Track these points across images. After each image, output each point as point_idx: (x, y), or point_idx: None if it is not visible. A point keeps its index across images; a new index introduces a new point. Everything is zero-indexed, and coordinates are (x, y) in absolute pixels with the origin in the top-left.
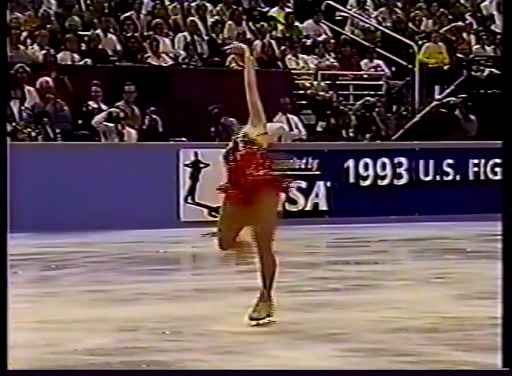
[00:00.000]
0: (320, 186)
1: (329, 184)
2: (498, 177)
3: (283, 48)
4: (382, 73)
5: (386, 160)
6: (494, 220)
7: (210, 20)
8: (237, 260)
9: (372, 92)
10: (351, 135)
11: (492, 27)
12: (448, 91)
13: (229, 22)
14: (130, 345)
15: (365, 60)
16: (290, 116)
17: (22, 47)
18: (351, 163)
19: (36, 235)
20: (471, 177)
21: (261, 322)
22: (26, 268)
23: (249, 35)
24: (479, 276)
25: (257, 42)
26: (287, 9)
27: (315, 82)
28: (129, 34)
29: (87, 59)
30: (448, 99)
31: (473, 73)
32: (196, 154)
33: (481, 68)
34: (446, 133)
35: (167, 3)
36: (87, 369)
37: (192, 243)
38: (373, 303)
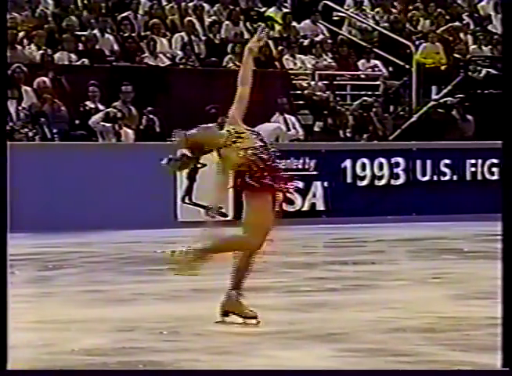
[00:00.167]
0: (317, 186)
1: (326, 184)
2: (495, 177)
3: (280, 48)
4: (379, 73)
5: (383, 160)
6: (491, 220)
7: (207, 20)
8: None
9: (369, 92)
10: (348, 135)
11: (489, 28)
12: (445, 91)
13: (227, 22)
14: (127, 346)
15: (363, 60)
16: (287, 116)
17: (19, 47)
18: (348, 163)
19: (33, 235)
20: (468, 177)
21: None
22: (23, 268)
23: (246, 35)
24: (476, 276)
25: None
26: (284, 9)
27: (313, 82)
28: (126, 34)
29: (84, 59)
30: (445, 99)
31: (470, 73)
32: None
33: (478, 68)
34: (443, 133)
35: (164, 3)
36: (84, 369)
37: (190, 243)
38: (371, 303)
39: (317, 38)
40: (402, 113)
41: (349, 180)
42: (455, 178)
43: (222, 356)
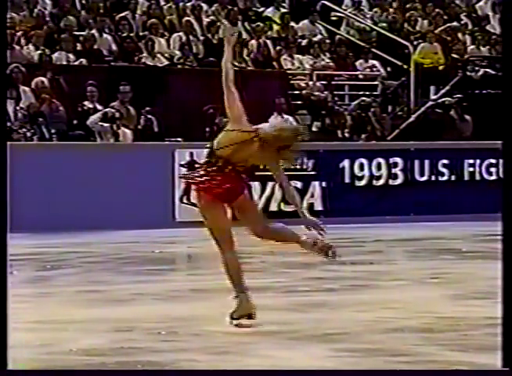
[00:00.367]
0: (315, 186)
1: (324, 184)
2: (493, 177)
3: (278, 48)
4: (377, 73)
5: (381, 160)
6: (490, 220)
7: (205, 20)
8: None
9: (367, 93)
10: (346, 135)
11: (487, 28)
12: (443, 91)
13: (225, 22)
14: (125, 346)
15: (361, 60)
16: (285, 116)
17: (17, 47)
18: (346, 163)
19: (31, 235)
20: (466, 177)
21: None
22: (21, 268)
23: (244, 35)
24: (474, 276)
25: (253, 42)
26: (283, 9)
27: (311, 82)
28: (124, 34)
29: (82, 60)
30: (443, 99)
31: (468, 73)
32: (191, 154)
33: (476, 68)
34: (441, 133)
35: (162, 3)
36: (82, 369)
37: (188, 243)
38: (369, 303)
39: (315, 38)
40: (400, 113)
41: (347, 180)
42: (453, 178)
43: (220, 356)
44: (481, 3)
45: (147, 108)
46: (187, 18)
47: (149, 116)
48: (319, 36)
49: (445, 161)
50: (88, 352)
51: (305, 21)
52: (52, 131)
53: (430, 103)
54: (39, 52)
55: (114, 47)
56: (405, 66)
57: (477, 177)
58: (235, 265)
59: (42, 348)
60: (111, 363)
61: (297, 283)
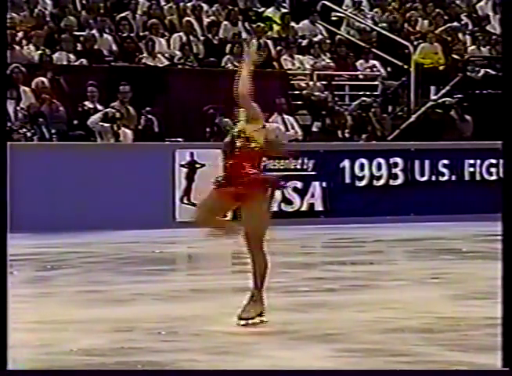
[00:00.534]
0: (316, 187)
1: (324, 184)
2: (493, 177)
3: (278, 48)
4: (378, 73)
5: (382, 160)
6: (490, 220)
7: (205, 21)
8: (222, 233)
9: (367, 93)
10: (346, 135)
11: (488, 28)
12: (443, 91)
13: (225, 22)
14: (125, 346)
15: (361, 61)
16: (285, 116)
17: (17, 47)
18: (346, 163)
19: (31, 235)
20: (467, 177)
21: (251, 322)
22: (21, 268)
23: (245, 35)
24: (474, 277)
25: (254, 43)
26: (283, 10)
27: (311, 82)
28: (125, 35)
29: (82, 60)
30: (443, 99)
31: (468, 73)
32: (191, 155)
33: (476, 69)
34: (442, 133)
35: (162, 3)
36: (82, 369)
37: (188, 243)
38: (369, 303)
39: (315, 39)
40: (400, 113)
41: (348, 180)
42: (453, 178)
43: (221, 356)
44: (481, 3)
45: (147, 108)
46: (187, 18)
47: (150, 116)
48: (320, 36)
49: (446, 161)
50: (88, 352)
51: (306, 21)
52: (53, 131)
53: (431, 103)
54: (39, 52)
55: (115, 47)
56: (405, 67)
57: (478, 177)
58: (266, 265)
59: (42, 349)
60: (111, 363)
61: (297, 283)
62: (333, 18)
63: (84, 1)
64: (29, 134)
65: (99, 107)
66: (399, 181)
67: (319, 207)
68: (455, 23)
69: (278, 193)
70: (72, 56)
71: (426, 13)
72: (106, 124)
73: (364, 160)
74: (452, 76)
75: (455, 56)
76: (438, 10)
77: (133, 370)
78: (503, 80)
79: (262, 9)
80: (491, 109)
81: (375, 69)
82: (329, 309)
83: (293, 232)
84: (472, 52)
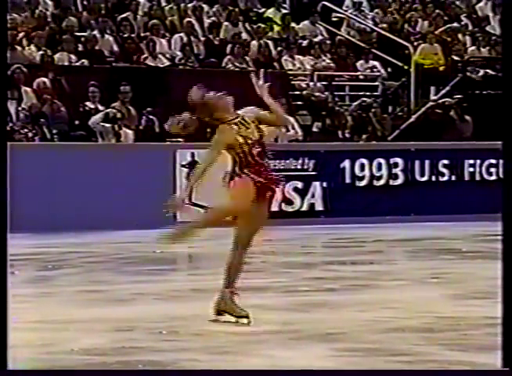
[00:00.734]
0: (316, 187)
1: (325, 184)
2: (493, 177)
3: (279, 49)
4: (378, 74)
5: (382, 160)
6: (489, 220)
7: (206, 21)
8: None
9: (368, 93)
10: (347, 135)
11: (488, 29)
12: (443, 92)
13: (226, 23)
14: (126, 345)
15: (361, 61)
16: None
17: (19, 48)
18: (347, 163)
19: (33, 235)
20: (467, 177)
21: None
22: (22, 268)
23: (245, 36)
24: (474, 276)
25: (254, 43)
26: (283, 10)
27: (311, 83)
28: (126, 35)
29: (84, 60)
30: (443, 99)
31: (468, 74)
32: (192, 155)
33: (476, 69)
34: (442, 134)
35: (163, 4)
36: (83, 369)
37: (189, 243)
38: (369, 303)
39: (316, 39)
40: (400, 113)
41: (348, 180)
42: (453, 178)
43: (221, 356)
44: (481, 4)
45: (148, 108)
46: (188, 19)
47: (151, 116)
48: (320, 37)
49: (446, 162)
50: (89, 351)
51: (306, 22)
52: (54, 131)
53: (431, 103)
54: (41, 52)
55: (116, 48)
56: (405, 67)
57: (478, 177)
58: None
59: (43, 348)
60: (112, 363)
61: (297, 283)
62: (334, 19)
63: (85, 2)
64: (30, 134)
65: (100, 108)
66: (399, 181)
67: (319, 207)
68: (455, 24)
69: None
70: (73, 57)
71: (426, 14)
72: (107, 125)
73: (364, 161)
74: (452, 76)
75: (455, 57)
76: (437, 11)
77: (134, 370)
78: (503, 80)
79: (263, 9)
80: (490, 109)
81: (375, 69)
82: (329, 309)
83: (293, 232)
84: (472, 52)
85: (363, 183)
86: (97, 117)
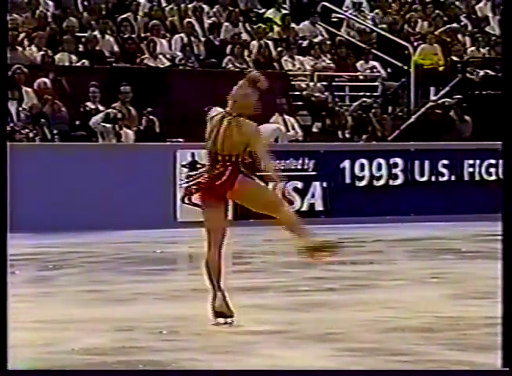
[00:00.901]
0: (316, 187)
1: (325, 184)
2: (493, 178)
3: (279, 49)
4: (378, 74)
5: (382, 160)
6: (489, 220)
7: (206, 22)
8: None
9: (368, 93)
10: (347, 135)
11: (487, 29)
12: (443, 92)
13: (226, 23)
14: (127, 345)
15: (361, 61)
16: (286, 117)
17: (19, 48)
18: (347, 163)
19: (33, 235)
20: (466, 178)
21: (229, 320)
22: (23, 268)
23: (245, 36)
24: (474, 276)
25: (254, 43)
26: (283, 11)
27: (311, 83)
28: (126, 36)
29: (84, 61)
30: (443, 100)
31: (468, 74)
32: (193, 155)
33: (475, 70)
34: (441, 134)
35: (164, 5)
36: (84, 368)
37: (189, 243)
38: (369, 303)
39: (316, 40)
40: (400, 113)
41: (348, 180)
42: (453, 178)
43: (221, 356)
44: (480, 4)
45: (149, 109)
46: (188, 19)
47: (151, 117)
48: (320, 37)
49: (445, 162)
50: (89, 351)
51: (306, 22)
52: (55, 131)
53: (430, 103)
54: (41, 53)
55: (116, 48)
56: (405, 68)
57: (477, 177)
58: (216, 265)
59: (44, 348)
60: (112, 363)
61: (297, 282)
62: (334, 19)
63: (85, 3)
64: (31, 134)
65: (101, 108)
66: (399, 181)
67: (319, 207)
68: (454, 25)
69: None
70: (74, 57)
71: (425, 14)
72: (108, 125)
73: (364, 161)
74: (452, 77)
75: (454, 57)
76: (437, 11)
77: (134, 370)
78: (503, 81)
79: (263, 10)
80: (490, 109)
81: (375, 70)
82: (329, 309)
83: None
84: (471, 53)
85: (363, 183)
86: (98, 117)
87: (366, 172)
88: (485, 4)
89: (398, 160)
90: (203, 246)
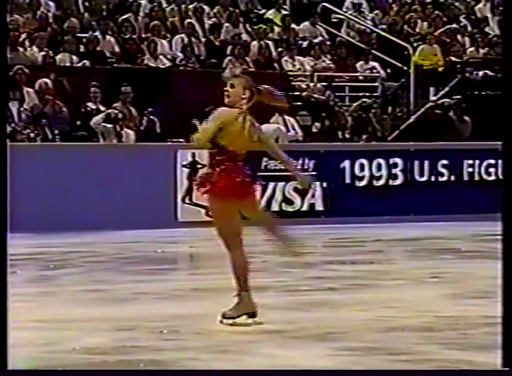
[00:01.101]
0: (316, 187)
1: (325, 184)
2: (492, 178)
3: (279, 50)
4: (377, 74)
5: (381, 160)
6: (488, 220)
7: (207, 22)
8: None
9: (367, 94)
10: (347, 136)
11: (486, 30)
12: (442, 92)
13: (226, 24)
14: (127, 344)
15: (361, 62)
16: (286, 117)
17: (21, 49)
18: (347, 164)
19: (35, 235)
20: (466, 178)
21: (238, 321)
22: (24, 268)
23: (246, 37)
24: (473, 276)
25: (254, 44)
26: (284, 11)
27: (312, 84)
28: (127, 36)
29: (85, 61)
30: (442, 100)
31: (467, 75)
32: (193, 155)
33: (475, 70)
34: (441, 134)
35: (164, 5)
36: (85, 368)
37: (190, 243)
38: (369, 302)
39: (316, 40)
40: (400, 114)
41: (348, 181)
42: (452, 178)
43: (222, 355)
44: (480, 5)
45: (149, 109)
46: (189, 20)
47: (152, 117)
48: (320, 38)
49: (445, 162)
50: (90, 350)
51: (306, 23)
52: (56, 132)
53: (430, 104)
54: (43, 53)
55: (117, 49)
56: (405, 68)
57: (477, 177)
58: (243, 265)
59: (45, 347)
60: (113, 362)
61: (297, 282)
62: (334, 20)
63: (86, 4)
64: (32, 135)
65: (102, 108)
66: (399, 181)
67: (319, 207)
68: (454, 25)
69: (279, 193)
70: (75, 58)
71: (425, 15)
72: (109, 125)
73: (364, 161)
74: (451, 77)
75: (454, 58)
76: (437, 12)
77: (135, 370)
78: (503, 81)
79: (263, 10)
80: (489, 110)
81: (375, 70)
82: (329, 308)
83: (293, 231)
84: (471, 53)
85: (363, 183)
86: (98, 117)
87: (366, 172)
88: (485, 5)
89: (398, 161)
90: (204, 246)
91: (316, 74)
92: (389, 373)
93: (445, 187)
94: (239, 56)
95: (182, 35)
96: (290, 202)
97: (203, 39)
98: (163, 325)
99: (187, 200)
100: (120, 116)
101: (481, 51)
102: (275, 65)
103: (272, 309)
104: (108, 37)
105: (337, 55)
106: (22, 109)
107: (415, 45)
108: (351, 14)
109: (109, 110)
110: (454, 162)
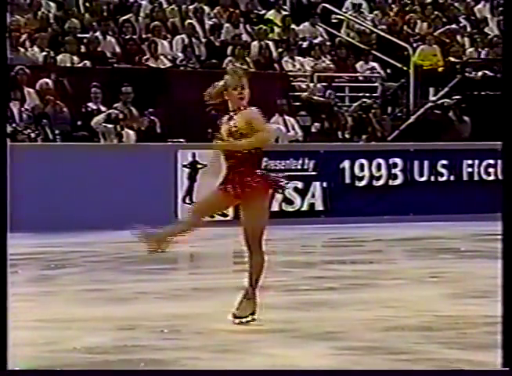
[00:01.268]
0: (316, 187)
1: (325, 184)
2: (491, 178)
3: (279, 50)
4: (377, 75)
5: (381, 160)
6: (488, 220)
7: (207, 23)
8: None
9: (367, 94)
10: (346, 136)
11: (486, 30)
12: (442, 93)
13: (227, 24)
14: (128, 344)
15: (361, 62)
16: (286, 117)
17: (22, 49)
18: (346, 164)
19: (35, 235)
20: (465, 178)
21: (244, 320)
22: (25, 267)
23: (246, 38)
24: (473, 276)
25: (255, 44)
26: (284, 12)
27: (312, 84)
28: (128, 37)
29: (86, 61)
30: (442, 100)
31: (467, 75)
32: (193, 155)
33: (474, 70)
34: (440, 134)
35: (165, 6)
36: (86, 367)
37: (190, 242)
38: (369, 302)
39: (316, 41)
40: (399, 114)
41: (348, 181)
42: (452, 178)
43: (222, 354)
44: (479, 6)
45: (150, 109)
46: (189, 20)
47: (152, 117)
48: (320, 38)
49: (444, 162)
50: (91, 350)
51: (306, 23)
52: (56, 132)
53: (430, 104)
54: (43, 53)
55: (118, 49)
56: (404, 68)
57: (476, 177)
58: (263, 264)
59: (46, 347)
60: (114, 361)
61: (297, 282)
62: (334, 20)
63: (87, 4)
64: (33, 135)
65: (103, 108)
66: (399, 181)
67: (319, 207)
68: (453, 26)
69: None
70: (75, 58)
71: (425, 16)
72: (110, 125)
73: (364, 161)
74: (451, 77)
75: (453, 58)
76: (436, 13)
77: (136, 370)
78: (503, 81)
79: (263, 11)
80: (489, 110)
81: (375, 70)
82: (329, 308)
83: (293, 231)
84: (470, 53)
85: (363, 183)
86: (99, 117)
87: (366, 172)
88: (484, 5)
89: (398, 161)
90: (204, 245)
91: (316, 74)
92: (389, 372)
93: (444, 187)
94: (240, 57)
95: (183, 36)
96: (290, 202)
97: (203, 39)
98: (163, 324)
99: (187, 200)
100: (120, 116)
101: (481, 51)
102: (276, 65)
103: (272, 308)
104: (109, 37)
105: (336, 55)
106: (23, 109)
107: (414, 45)
108: (350, 14)
109: (110, 111)
110: (454, 162)
